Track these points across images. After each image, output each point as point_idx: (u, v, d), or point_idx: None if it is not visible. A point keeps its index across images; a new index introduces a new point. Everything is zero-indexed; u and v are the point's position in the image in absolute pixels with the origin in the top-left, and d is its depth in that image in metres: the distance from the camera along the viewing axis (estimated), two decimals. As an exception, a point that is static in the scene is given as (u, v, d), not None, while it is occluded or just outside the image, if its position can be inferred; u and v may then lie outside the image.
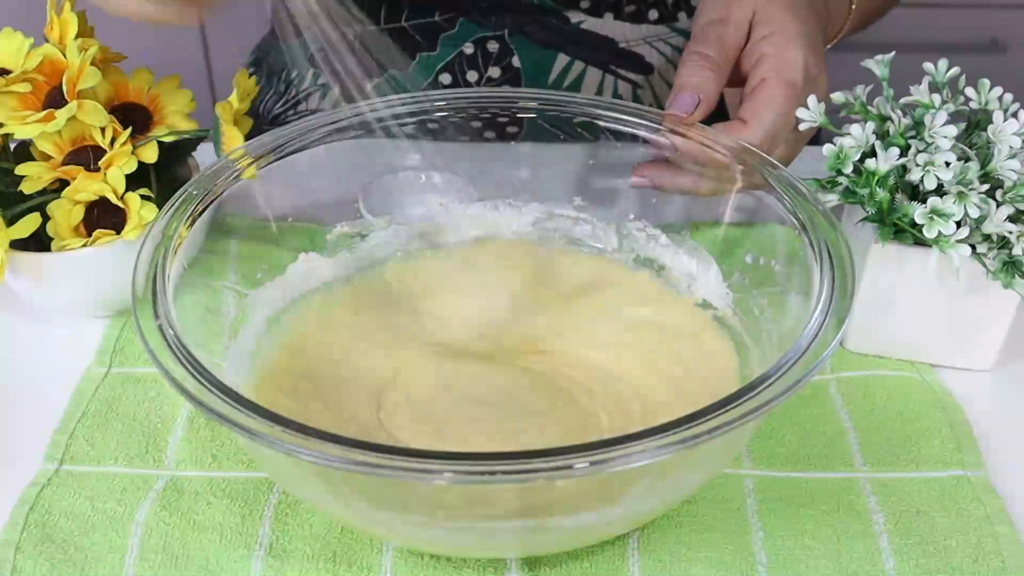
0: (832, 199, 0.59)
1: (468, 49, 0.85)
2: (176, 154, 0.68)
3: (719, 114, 0.75)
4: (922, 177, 0.57)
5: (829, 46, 0.74)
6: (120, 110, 0.66)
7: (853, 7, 0.75)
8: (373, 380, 0.59)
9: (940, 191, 0.57)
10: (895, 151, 0.57)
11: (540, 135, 0.67)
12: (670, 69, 0.87)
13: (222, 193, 0.58)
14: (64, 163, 0.63)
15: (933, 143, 0.57)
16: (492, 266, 0.67)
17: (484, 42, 0.85)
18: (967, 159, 0.58)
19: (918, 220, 0.56)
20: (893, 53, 0.63)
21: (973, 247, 0.57)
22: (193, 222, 0.55)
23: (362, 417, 0.56)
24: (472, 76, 0.86)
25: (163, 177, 0.66)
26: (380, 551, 0.52)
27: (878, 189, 0.58)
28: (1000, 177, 0.57)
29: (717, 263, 0.63)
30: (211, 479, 0.56)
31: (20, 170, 0.63)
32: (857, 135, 0.59)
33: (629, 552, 0.52)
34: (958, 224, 0.56)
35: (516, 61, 0.85)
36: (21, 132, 0.61)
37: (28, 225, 0.62)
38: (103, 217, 0.63)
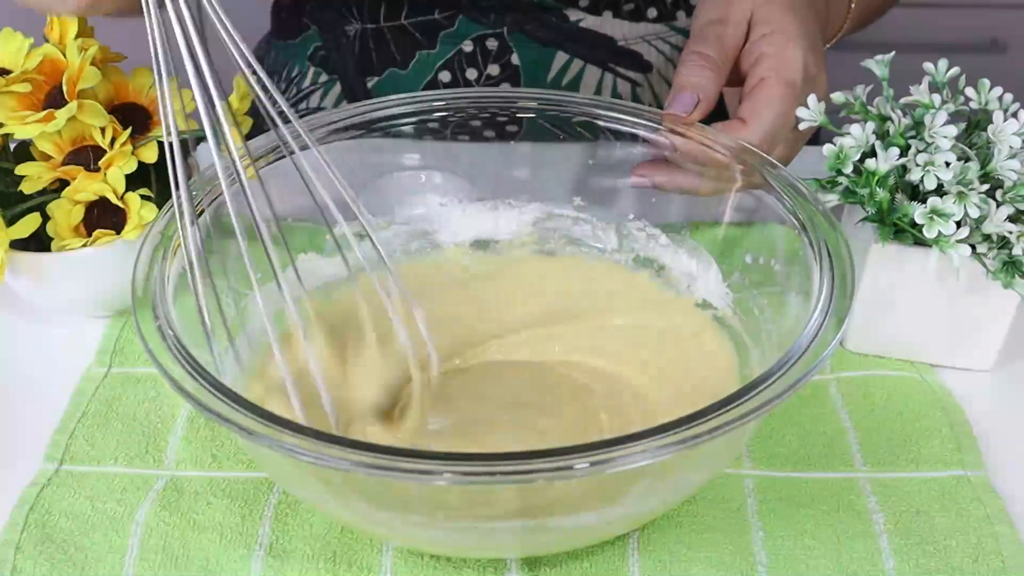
0: (832, 199, 0.59)
1: (467, 47, 0.85)
2: (176, 154, 0.68)
3: (719, 114, 0.75)
4: (922, 177, 0.56)
5: (828, 45, 0.74)
6: (120, 110, 0.66)
7: (852, 6, 0.75)
8: (373, 380, 0.59)
9: (940, 191, 0.57)
10: (895, 151, 0.57)
11: (540, 135, 0.67)
12: (669, 67, 0.87)
13: (222, 193, 0.57)
14: (64, 163, 0.63)
15: (933, 143, 0.57)
16: (492, 267, 0.67)
17: (483, 40, 0.85)
18: (967, 159, 0.58)
19: (918, 220, 0.56)
20: (893, 53, 0.63)
21: (973, 247, 0.57)
22: (193, 222, 0.55)
23: (362, 418, 0.56)
24: (471, 74, 0.86)
25: (163, 177, 0.66)
26: (380, 551, 0.52)
27: (878, 189, 0.58)
28: (1000, 177, 0.57)
29: (717, 263, 0.63)
30: (211, 479, 0.56)
31: (20, 170, 0.63)
32: (857, 135, 0.59)
33: (629, 552, 0.52)
34: (958, 224, 0.56)
35: (515, 59, 0.85)
36: (21, 132, 0.61)
37: (28, 225, 0.62)
38: (103, 217, 0.63)
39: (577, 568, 0.52)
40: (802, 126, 0.62)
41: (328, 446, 0.42)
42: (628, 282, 0.65)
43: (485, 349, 0.61)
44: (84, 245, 0.62)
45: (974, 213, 0.56)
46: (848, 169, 0.59)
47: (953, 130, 0.57)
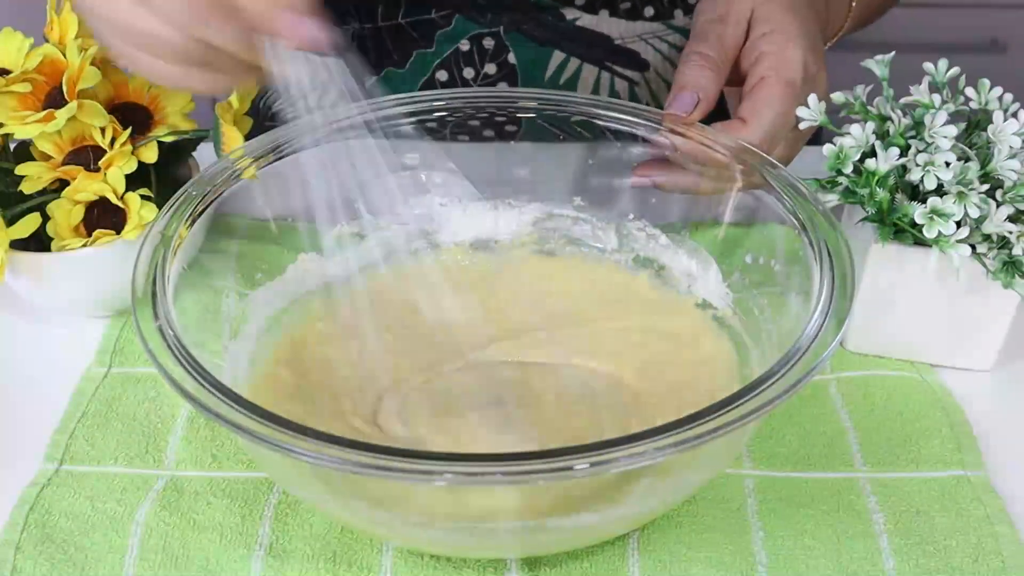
0: (832, 199, 0.59)
1: (464, 46, 0.85)
2: (176, 154, 0.68)
3: (719, 113, 0.75)
4: (922, 177, 0.56)
5: (829, 45, 0.74)
6: (120, 110, 0.66)
7: (853, 5, 0.75)
8: (373, 381, 0.59)
9: (940, 191, 0.57)
10: (895, 151, 0.57)
11: (539, 135, 0.67)
12: (666, 66, 0.87)
13: (222, 193, 0.58)
14: (64, 163, 0.63)
15: (933, 143, 0.57)
16: (492, 267, 0.67)
17: (480, 39, 0.85)
18: (967, 159, 0.58)
19: (918, 220, 0.56)
20: (893, 53, 0.63)
21: (973, 247, 0.57)
22: (193, 222, 0.55)
23: (362, 418, 0.56)
24: (468, 73, 0.86)
25: (163, 177, 0.66)
26: (380, 551, 0.52)
27: (878, 189, 0.58)
28: (1000, 177, 0.57)
29: (717, 263, 0.63)
30: (211, 479, 0.56)
31: (20, 170, 0.63)
32: (857, 135, 0.59)
33: (629, 552, 0.52)
34: (958, 224, 0.56)
35: (512, 58, 0.85)
36: (21, 132, 0.61)
37: (28, 225, 0.62)
38: (103, 217, 0.63)
39: (577, 568, 0.52)
40: (802, 126, 0.62)
41: (328, 446, 0.42)
42: (628, 282, 0.65)
43: (485, 349, 0.61)
44: (84, 245, 0.62)
45: (974, 213, 0.56)
46: (848, 169, 0.59)
47: (953, 130, 0.57)
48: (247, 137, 0.63)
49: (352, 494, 0.49)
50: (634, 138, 0.64)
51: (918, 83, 0.60)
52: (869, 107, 0.61)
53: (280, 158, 0.61)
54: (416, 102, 0.64)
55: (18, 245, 0.62)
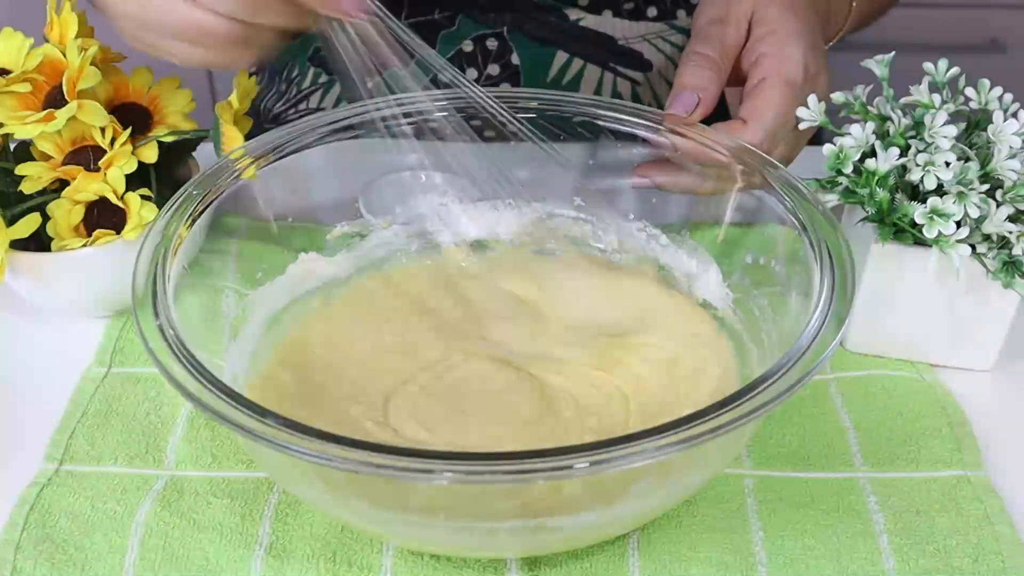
0: (832, 199, 0.59)
1: (467, 47, 0.85)
2: (176, 154, 0.68)
3: (719, 114, 0.75)
4: (922, 177, 0.57)
5: (829, 45, 0.74)
6: (120, 110, 0.66)
7: (854, 5, 0.75)
8: (373, 381, 0.59)
9: (940, 191, 0.57)
10: (895, 151, 0.57)
11: (540, 135, 0.67)
12: (669, 66, 0.87)
13: (222, 193, 0.58)
14: (64, 163, 0.63)
15: (933, 143, 0.57)
16: (492, 268, 0.67)
17: (483, 39, 0.85)
18: (967, 159, 0.58)
19: (918, 220, 0.56)
20: (893, 53, 0.63)
21: (973, 247, 0.57)
22: (193, 222, 0.55)
23: (362, 418, 0.56)
24: (471, 73, 0.86)
25: (163, 177, 0.66)
26: (380, 551, 0.52)
27: (878, 189, 0.58)
28: (1000, 177, 0.57)
29: (717, 263, 0.63)
30: (211, 479, 0.56)
31: (20, 170, 0.63)
32: (857, 135, 0.59)
33: (629, 552, 0.53)
34: (958, 224, 0.56)
35: (515, 58, 0.85)
36: (21, 132, 0.61)
37: (28, 225, 0.62)
38: (103, 217, 0.63)
39: (577, 568, 0.52)
40: (802, 126, 0.62)
41: (328, 446, 0.42)
42: (628, 282, 0.65)
43: (484, 349, 0.61)
44: (84, 245, 0.62)
45: (974, 213, 0.56)
46: (848, 169, 0.59)
47: (953, 130, 0.57)
48: (247, 137, 0.63)
49: (352, 494, 0.48)
50: (634, 138, 0.64)
51: (918, 83, 0.60)
52: (869, 107, 0.61)
53: (280, 158, 0.61)
54: (417, 102, 0.64)
55: (18, 245, 0.62)
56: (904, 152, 0.58)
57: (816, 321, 0.48)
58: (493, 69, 0.86)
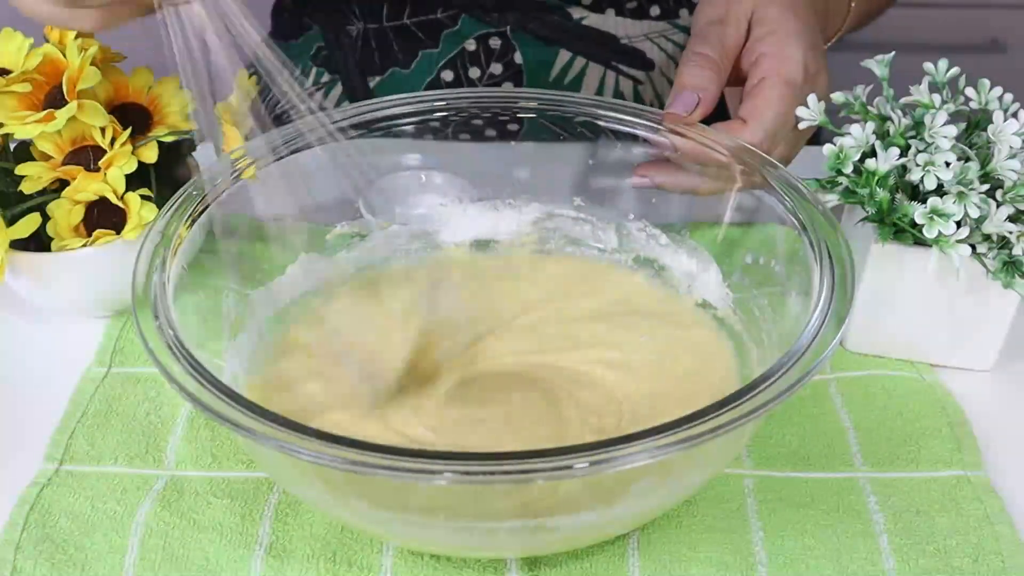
0: (832, 199, 0.59)
1: (470, 46, 0.85)
2: (176, 154, 0.68)
3: (720, 114, 0.75)
4: (922, 177, 0.57)
5: (828, 44, 0.74)
6: (120, 110, 0.66)
7: (853, 5, 0.75)
8: (373, 381, 0.59)
9: (940, 191, 0.57)
10: (895, 151, 0.57)
11: (540, 134, 0.67)
12: (671, 65, 0.88)
13: (222, 193, 0.58)
14: (64, 163, 0.63)
15: (933, 143, 0.57)
16: (492, 268, 0.67)
17: (486, 38, 0.85)
18: (967, 159, 0.58)
19: (918, 220, 0.56)
20: (893, 53, 0.63)
21: (973, 247, 0.57)
22: (193, 222, 0.55)
23: (362, 418, 0.56)
24: (474, 72, 0.86)
25: (163, 177, 0.66)
26: (380, 551, 0.52)
27: (878, 189, 0.58)
28: (1000, 177, 0.57)
29: (717, 263, 0.63)
30: (211, 479, 0.56)
31: (20, 170, 0.63)
32: (857, 135, 0.59)
33: (629, 552, 0.53)
34: (958, 224, 0.56)
35: (518, 57, 0.85)
36: (21, 132, 0.61)
37: (28, 225, 0.62)
38: (103, 217, 0.63)
39: (577, 568, 0.52)
40: (802, 126, 0.62)
41: (328, 446, 0.42)
42: (628, 282, 0.65)
43: (484, 350, 0.61)
44: (84, 245, 0.62)
45: (974, 213, 0.56)
46: (848, 169, 0.59)
47: (953, 130, 0.57)
48: (247, 137, 0.63)
49: (352, 494, 0.48)
50: (635, 138, 0.64)
51: (918, 83, 0.60)
52: (869, 107, 0.61)
53: (280, 158, 0.61)
54: (418, 102, 0.64)
55: (18, 245, 0.62)
56: (904, 152, 0.58)
57: (816, 321, 0.48)
58: (496, 68, 0.86)
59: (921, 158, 0.57)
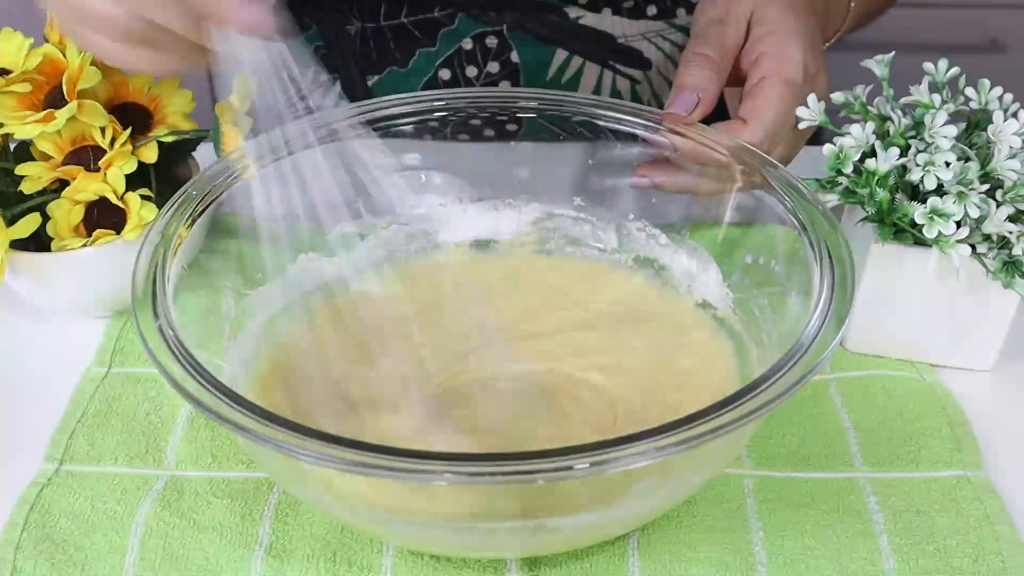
0: (832, 199, 0.59)
1: (467, 45, 0.85)
2: (176, 154, 0.68)
3: (719, 114, 0.75)
4: (922, 177, 0.57)
5: (828, 44, 0.74)
6: (120, 110, 0.66)
7: (852, 5, 0.75)
8: (373, 381, 0.59)
9: (940, 191, 0.57)
10: (895, 151, 0.57)
11: (540, 134, 0.67)
12: (669, 65, 0.87)
13: (222, 193, 0.58)
14: (64, 163, 0.63)
15: (933, 143, 0.57)
16: (492, 267, 0.67)
17: (483, 37, 0.85)
18: (967, 159, 0.58)
19: (918, 220, 0.56)
20: (893, 53, 0.63)
21: (973, 247, 0.57)
22: (193, 222, 0.55)
23: (361, 418, 0.56)
24: (471, 72, 0.86)
25: (163, 177, 0.66)
26: (380, 551, 0.52)
27: (878, 189, 0.58)
28: (1000, 177, 0.57)
29: (717, 263, 0.63)
30: (211, 479, 0.56)
31: (20, 170, 0.63)
32: (857, 135, 0.59)
33: (629, 552, 0.53)
34: (958, 224, 0.56)
35: (515, 57, 0.85)
36: (21, 132, 0.61)
37: (28, 225, 0.62)
38: (103, 217, 0.63)
39: (577, 568, 0.52)
40: (802, 126, 0.62)
41: (328, 446, 0.42)
42: (628, 282, 0.65)
43: (484, 349, 0.61)
44: (84, 245, 0.62)
45: (974, 213, 0.56)
46: (848, 169, 0.59)
47: (953, 130, 0.57)
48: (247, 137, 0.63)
49: (352, 494, 0.48)
50: (634, 138, 0.64)
51: (918, 83, 0.60)
52: (869, 107, 0.61)
53: (280, 158, 0.61)
54: (417, 102, 0.64)
55: (18, 245, 0.62)
56: (904, 152, 0.58)
57: (816, 321, 0.48)
58: (493, 67, 0.86)
59: (921, 158, 0.57)
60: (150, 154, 0.64)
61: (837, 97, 0.62)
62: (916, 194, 0.59)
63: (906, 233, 0.59)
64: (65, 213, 0.62)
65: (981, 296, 0.59)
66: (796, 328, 0.49)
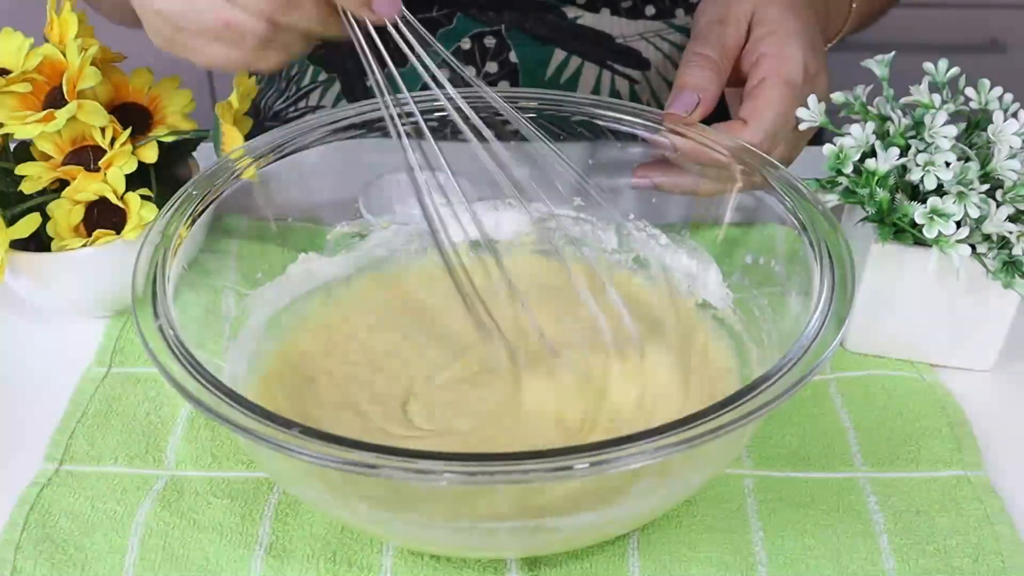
0: (832, 199, 0.59)
1: (465, 44, 0.85)
2: (176, 154, 0.68)
3: (719, 114, 0.75)
4: (922, 177, 0.57)
5: (829, 45, 0.74)
6: (120, 110, 0.66)
7: (853, 6, 0.75)
8: (373, 381, 0.59)
9: (940, 191, 0.57)
10: (895, 151, 0.57)
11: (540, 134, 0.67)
12: (667, 65, 0.87)
13: (222, 193, 0.58)
14: (64, 163, 0.63)
15: (933, 143, 0.57)
16: (491, 269, 0.66)
17: (481, 37, 0.85)
18: (967, 159, 0.58)
19: (918, 220, 0.56)
20: (893, 53, 0.63)
21: (973, 247, 0.57)
22: (193, 222, 0.55)
23: (362, 418, 0.56)
24: (470, 71, 0.86)
25: (163, 177, 0.66)
26: (380, 551, 0.53)
27: (878, 189, 0.58)
28: (1000, 177, 0.57)
29: (717, 263, 0.63)
30: (211, 479, 0.56)
31: (20, 170, 0.63)
32: (857, 135, 0.59)
33: (629, 552, 0.53)
34: (958, 224, 0.56)
35: (513, 56, 0.85)
36: (21, 132, 0.61)
37: (28, 225, 0.62)
38: (103, 217, 0.63)
39: (577, 568, 0.52)
40: (802, 126, 0.62)
41: (328, 446, 0.42)
42: (628, 283, 0.65)
43: (484, 349, 0.61)
44: (84, 245, 0.62)
45: (974, 213, 0.56)
46: (848, 169, 0.59)
47: (953, 130, 0.57)
48: (247, 137, 0.63)
49: (352, 494, 0.48)
50: (634, 138, 0.64)
51: (918, 83, 0.60)
52: (869, 107, 0.61)
53: (280, 158, 0.61)
54: (417, 101, 0.64)
55: (18, 245, 0.62)
56: (904, 152, 0.58)
57: (816, 321, 0.48)
58: (491, 67, 0.86)
59: (921, 158, 0.57)
60: (150, 154, 0.64)
61: (837, 97, 0.63)
62: (916, 194, 0.59)
63: (906, 233, 0.59)
64: (65, 213, 0.62)
65: (981, 296, 0.59)
66: (796, 328, 0.49)
